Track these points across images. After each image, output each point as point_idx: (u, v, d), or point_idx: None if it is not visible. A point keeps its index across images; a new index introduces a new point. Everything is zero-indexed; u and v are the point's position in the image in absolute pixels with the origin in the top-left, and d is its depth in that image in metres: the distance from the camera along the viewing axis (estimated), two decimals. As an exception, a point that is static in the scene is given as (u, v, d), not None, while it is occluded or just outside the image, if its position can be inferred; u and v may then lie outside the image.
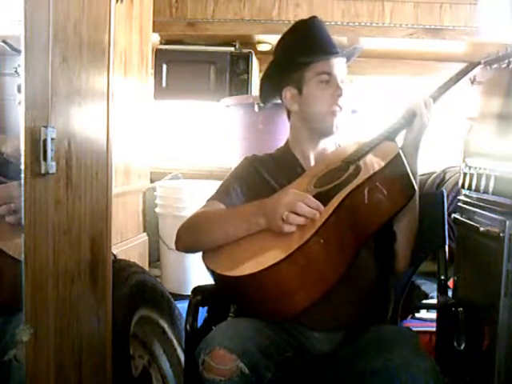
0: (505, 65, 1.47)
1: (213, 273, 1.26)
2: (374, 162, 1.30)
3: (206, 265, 1.28)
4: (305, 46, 1.44)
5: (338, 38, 1.54)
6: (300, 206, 1.18)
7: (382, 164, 1.27)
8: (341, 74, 1.43)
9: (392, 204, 1.28)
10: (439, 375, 1.10)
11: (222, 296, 1.38)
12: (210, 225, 1.33)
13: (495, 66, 1.48)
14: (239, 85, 3.07)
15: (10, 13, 1.03)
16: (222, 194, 1.44)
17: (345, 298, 1.32)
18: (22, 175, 0.98)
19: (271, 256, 1.16)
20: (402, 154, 1.30)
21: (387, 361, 1.12)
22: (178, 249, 1.39)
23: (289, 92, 1.47)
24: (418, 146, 1.37)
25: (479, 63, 1.46)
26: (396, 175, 1.29)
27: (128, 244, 2.43)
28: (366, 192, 1.24)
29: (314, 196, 1.23)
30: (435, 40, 2.83)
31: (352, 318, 1.35)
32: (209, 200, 1.45)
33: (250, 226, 1.25)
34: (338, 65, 1.43)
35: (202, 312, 1.40)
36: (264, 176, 1.47)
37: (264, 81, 1.53)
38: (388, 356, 1.13)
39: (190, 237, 1.35)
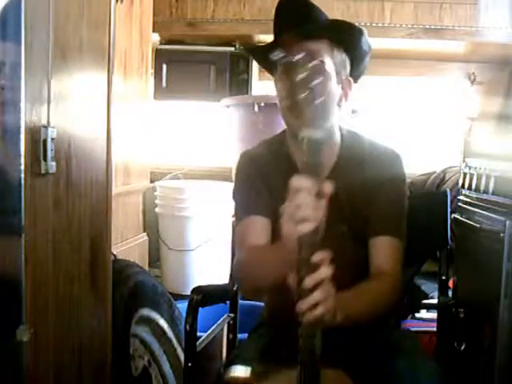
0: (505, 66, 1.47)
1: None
2: None
3: None
4: (274, 26, 1.27)
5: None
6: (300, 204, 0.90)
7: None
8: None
9: None
10: (443, 380, 1.10)
11: None
12: (260, 268, 1.17)
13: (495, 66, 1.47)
14: (239, 85, 3.06)
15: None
16: (251, 205, 1.28)
17: None
18: (22, 175, 0.98)
19: None
20: None
21: (392, 367, 1.11)
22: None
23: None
24: None
25: None
26: None
27: (128, 244, 2.42)
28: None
29: None
30: (435, 40, 2.83)
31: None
32: (241, 218, 1.29)
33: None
34: (311, 47, 1.16)
35: (202, 312, 1.40)
36: (261, 174, 1.31)
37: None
38: (393, 362, 1.12)
39: (249, 283, 1.26)
